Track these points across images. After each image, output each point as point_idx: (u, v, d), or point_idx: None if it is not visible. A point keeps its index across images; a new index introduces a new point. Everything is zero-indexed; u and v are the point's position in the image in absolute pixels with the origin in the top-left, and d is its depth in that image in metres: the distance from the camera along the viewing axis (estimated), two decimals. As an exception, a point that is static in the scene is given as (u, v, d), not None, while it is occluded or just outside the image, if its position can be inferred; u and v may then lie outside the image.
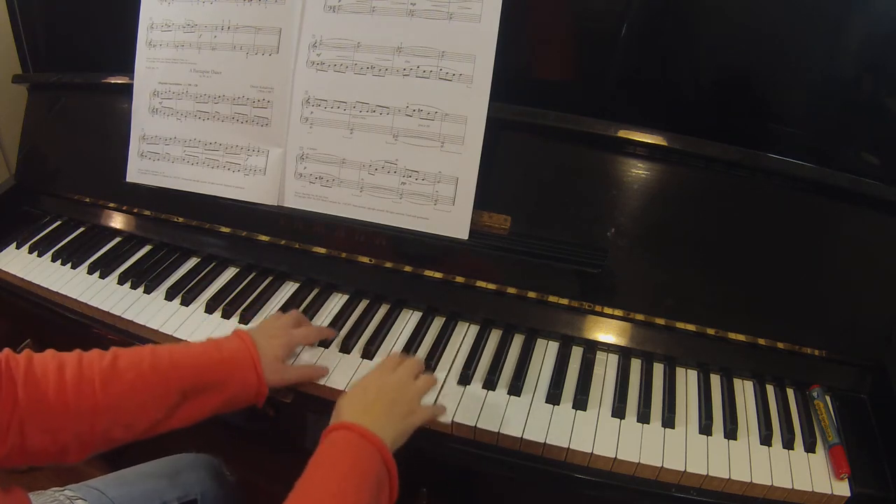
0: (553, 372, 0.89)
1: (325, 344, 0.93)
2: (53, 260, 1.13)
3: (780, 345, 0.89)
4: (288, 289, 1.05)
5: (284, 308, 1.00)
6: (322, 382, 0.87)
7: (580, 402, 0.85)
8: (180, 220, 1.13)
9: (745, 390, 0.89)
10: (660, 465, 0.78)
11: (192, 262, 1.11)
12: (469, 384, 0.87)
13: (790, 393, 0.89)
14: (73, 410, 0.68)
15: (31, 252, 1.16)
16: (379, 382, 0.77)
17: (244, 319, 0.98)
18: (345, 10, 0.95)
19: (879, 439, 0.82)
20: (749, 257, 0.90)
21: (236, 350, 0.79)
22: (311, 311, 0.99)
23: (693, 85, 0.95)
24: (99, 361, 0.72)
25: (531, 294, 0.95)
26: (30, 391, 0.67)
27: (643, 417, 0.83)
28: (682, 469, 0.77)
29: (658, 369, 0.91)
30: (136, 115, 1.11)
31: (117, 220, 1.19)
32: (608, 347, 0.93)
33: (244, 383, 0.79)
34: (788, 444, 0.81)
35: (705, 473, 0.77)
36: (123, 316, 0.99)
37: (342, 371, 0.89)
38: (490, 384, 0.87)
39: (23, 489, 0.73)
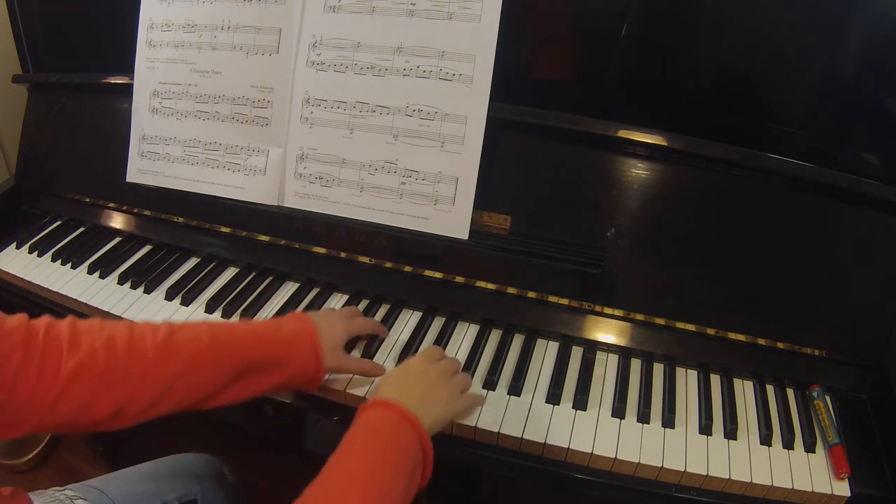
0: (553, 372, 0.89)
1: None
2: (53, 260, 1.13)
3: (780, 345, 0.89)
4: (288, 289, 1.05)
5: (285, 308, 1.00)
6: (321, 382, 0.87)
7: (580, 402, 0.85)
8: (180, 220, 1.13)
9: (745, 390, 0.89)
10: (660, 465, 0.78)
11: (192, 262, 1.11)
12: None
13: (790, 393, 0.89)
14: (119, 390, 0.64)
15: (31, 252, 1.16)
16: (421, 366, 0.77)
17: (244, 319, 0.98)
18: (345, 10, 0.95)
19: (879, 439, 0.82)
20: (749, 257, 0.90)
21: (297, 331, 0.78)
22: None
23: (693, 85, 0.95)
24: (152, 335, 0.68)
25: (531, 294, 0.95)
26: (74, 367, 0.62)
27: (643, 417, 0.83)
28: (682, 469, 0.77)
29: (658, 369, 0.91)
30: (136, 115, 1.11)
31: (117, 220, 1.19)
32: (608, 347, 0.93)
33: (303, 366, 0.78)
34: (788, 444, 0.81)
35: (705, 473, 0.77)
36: (123, 316, 0.99)
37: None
38: (490, 384, 0.87)
39: (26, 495, 0.72)
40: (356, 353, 0.92)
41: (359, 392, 0.86)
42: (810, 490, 0.76)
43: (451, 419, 0.75)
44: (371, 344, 0.92)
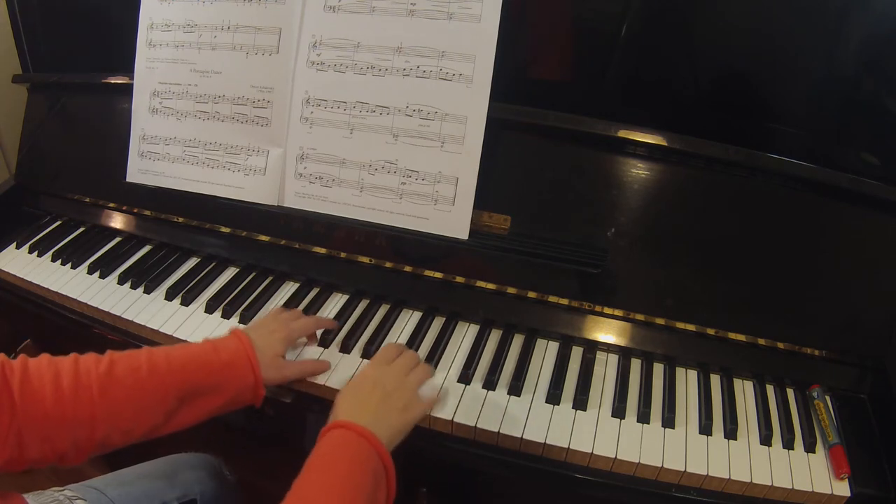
0: (553, 372, 0.89)
1: (324, 343, 0.93)
2: (53, 260, 1.13)
3: (780, 345, 0.89)
4: (288, 289, 1.05)
5: (285, 308, 1.00)
6: (322, 382, 0.87)
7: (580, 402, 0.85)
8: (180, 220, 1.13)
9: (745, 390, 0.89)
10: (660, 465, 0.78)
11: (192, 262, 1.11)
12: (469, 384, 0.87)
13: (790, 393, 0.89)
14: (70, 420, 0.67)
15: (31, 252, 1.16)
16: (374, 377, 0.77)
17: (244, 319, 0.98)
18: (345, 10, 0.95)
19: (879, 439, 0.82)
20: (749, 257, 0.90)
21: (234, 352, 0.79)
22: (312, 311, 0.99)
23: (693, 84, 0.95)
24: (96, 368, 0.70)
25: (531, 294, 0.95)
26: (27, 401, 0.65)
27: (643, 417, 0.83)
28: (682, 469, 0.77)
29: (658, 369, 0.91)
30: (136, 115, 1.11)
31: (117, 220, 1.19)
32: (608, 347, 0.93)
33: (242, 385, 0.78)
34: (788, 444, 0.81)
35: (705, 473, 0.77)
36: (123, 316, 0.99)
37: (342, 371, 0.89)
38: (490, 384, 0.87)
39: (21, 495, 0.72)
40: (356, 355, 0.92)
41: (359, 392, 0.86)
42: (810, 490, 0.76)
43: (411, 426, 0.74)
44: (371, 344, 0.92)
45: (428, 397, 0.80)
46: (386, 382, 0.76)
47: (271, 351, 0.82)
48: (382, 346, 0.92)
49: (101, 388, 0.69)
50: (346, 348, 0.92)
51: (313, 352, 0.91)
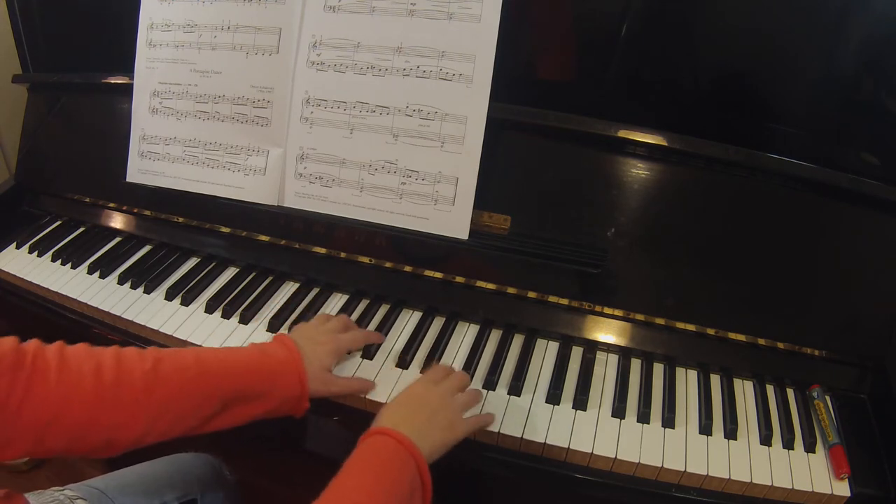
0: (553, 372, 0.89)
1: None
2: (53, 260, 1.13)
3: (780, 345, 0.89)
4: (288, 289, 1.05)
5: (284, 308, 1.00)
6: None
7: (580, 402, 0.85)
8: (180, 220, 1.13)
9: (745, 390, 0.89)
10: (660, 465, 0.78)
11: (192, 262, 1.11)
12: (469, 384, 0.87)
13: (790, 393, 0.89)
14: (108, 417, 0.65)
15: (31, 252, 1.16)
16: (422, 392, 0.76)
17: (244, 319, 0.98)
18: (345, 10, 0.95)
19: (879, 439, 0.82)
20: (749, 257, 0.90)
21: (282, 360, 0.77)
22: (311, 311, 0.99)
23: (693, 85, 0.95)
24: (140, 364, 0.68)
25: (531, 294, 0.95)
26: (63, 393, 0.62)
27: (643, 417, 0.83)
28: (682, 469, 0.77)
29: (658, 369, 0.91)
30: (136, 115, 1.11)
31: (117, 220, 1.19)
32: (608, 347, 0.93)
33: (287, 395, 0.77)
34: (788, 444, 0.81)
35: (705, 473, 0.77)
36: (123, 316, 0.99)
37: (342, 371, 0.89)
38: (490, 384, 0.87)
39: (23, 495, 0.72)
40: (356, 355, 0.92)
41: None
42: (810, 490, 0.76)
43: (452, 444, 0.73)
44: (370, 345, 0.92)
45: (473, 419, 0.79)
46: (432, 400, 0.75)
47: (319, 363, 0.81)
48: (384, 350, 0.92)
49: (145, 386, 0.67)
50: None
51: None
